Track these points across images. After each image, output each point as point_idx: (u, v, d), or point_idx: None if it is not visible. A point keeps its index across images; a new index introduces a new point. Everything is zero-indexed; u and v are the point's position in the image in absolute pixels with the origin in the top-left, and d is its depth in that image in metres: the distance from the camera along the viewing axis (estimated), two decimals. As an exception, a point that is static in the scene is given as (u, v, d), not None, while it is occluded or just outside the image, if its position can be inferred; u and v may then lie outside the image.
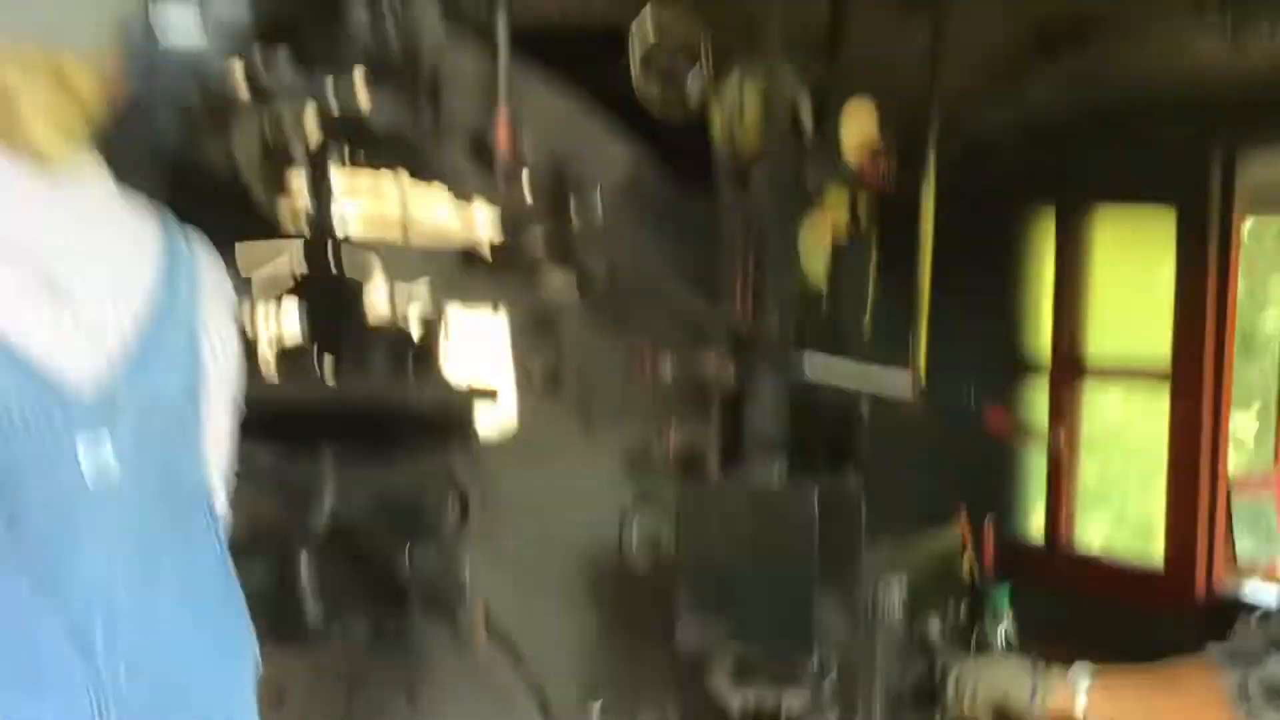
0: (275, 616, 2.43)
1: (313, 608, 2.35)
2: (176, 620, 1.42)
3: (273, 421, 2.30)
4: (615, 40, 2.64)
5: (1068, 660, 2.25)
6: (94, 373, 1.35)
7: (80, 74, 1.38)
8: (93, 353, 1.35)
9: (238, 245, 2.52)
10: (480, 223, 2.63)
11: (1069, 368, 4.02)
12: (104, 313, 1.37)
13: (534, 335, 2.83)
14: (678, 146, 3.00)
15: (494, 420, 2.76)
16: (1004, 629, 2.78)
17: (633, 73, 2.58)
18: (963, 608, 2.67)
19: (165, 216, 1.54)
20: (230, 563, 1.55)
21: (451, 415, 2.65)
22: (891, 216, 3.20)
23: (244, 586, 2.40)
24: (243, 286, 2.53)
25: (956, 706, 2.41)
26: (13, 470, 1.28)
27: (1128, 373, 4.17)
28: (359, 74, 2.31)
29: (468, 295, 2.75)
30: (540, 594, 2.82)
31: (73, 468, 1.32)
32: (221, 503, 1.58)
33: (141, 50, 2.40)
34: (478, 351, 2.77)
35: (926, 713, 2.52)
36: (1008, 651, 2.72)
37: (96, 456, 1.34)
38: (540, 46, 2.68)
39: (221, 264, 1.63)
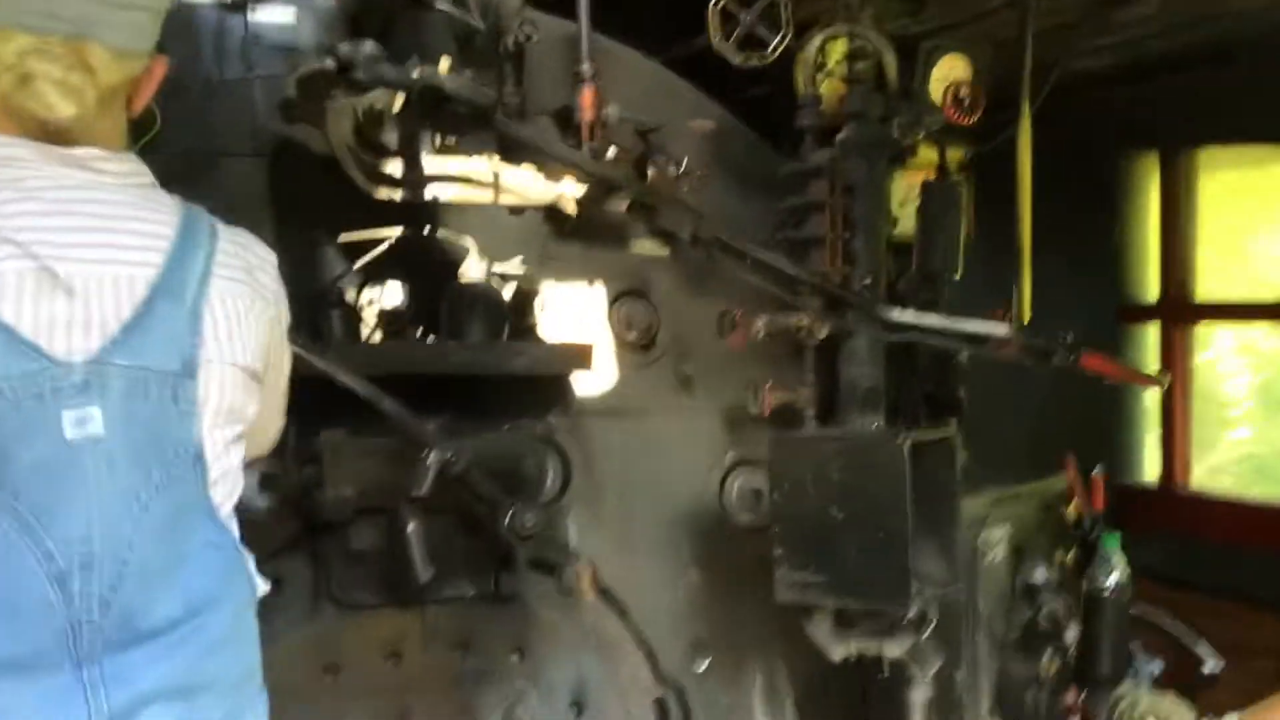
0: (386, 577, 2.54)
1: (422, 569, 2.43)
2: (154, 567, 1.54)
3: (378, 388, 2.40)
4: (698, 2, 2.65)
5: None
6: (84, 349, 1.49)
7: (107, 63, 1.55)
8: (86, 333, 1.50)
9: (335, 222, 2.63)
10: (570, 190, 2.67)
11: (1178, 308, 3.93)
12: (102, 296, 1.51)
13: (627, 298, 2.88)
14: (763, 106, 3.01)
15: (592, 383, 2.82)
16: (1115, 576, 2.75)
17: (714, 33, 2.58)
18: (1071, 555, 2.65)
19: (192, 208, 1.65)
20: (226, 514, 1.63)
21: (550, 379, 2.71)
22: (986, 165, 3.16)
23: (356, 548, 2.53)
24: (342, 261, 2.63)
25: None
26: (2, 437, 1.45)
27: (1241, 312, 4.05)
28: (447, 53, 2.36)
29: (561, 261, 2.80)
30: (643, 552, 2.88)
31: (58, 436, 1.47)
32: (225, 463, 1.64)
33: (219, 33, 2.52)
34: (573, 316, 2.83)
35: (1032, 662, 2.52)
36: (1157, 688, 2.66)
37: (83, 425, 1.49)
38: (623, 13, 2.71)
39: (260, 252, 1.71)
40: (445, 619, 2.65)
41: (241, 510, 1.69)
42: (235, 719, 1.60)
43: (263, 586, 1.69)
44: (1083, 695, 2.51)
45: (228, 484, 1.64)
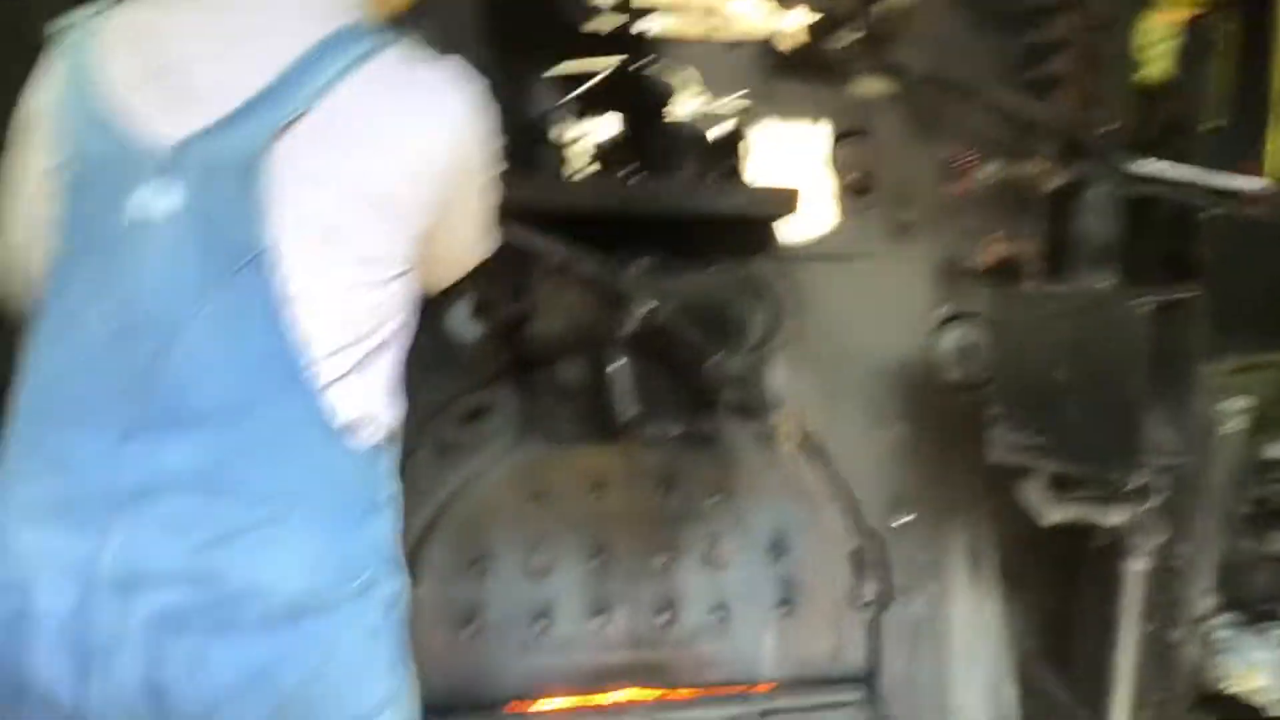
0: (591, 414, 2.56)
1: (627, 407, 2.43)
2: (201, 357, 1.54)
3: (586, 227, 2.38)
4: None
5: None
6: (171, 135, 1.55)
7: None
8: (176, 118, 1.56)
9: (547, 54, 2.57)
10: (792, 24, 2.54)
11: None
12: (203, 85, 1.57)
13: (847, 139, 2.75)
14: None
15: (806, 228, 2.72)
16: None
17: None
18: (1314, 432, 2.45)
19: (362, 24, 1.63)
20: (305, 335, 1.55)
21: (761, 221, 2.63)
22: (1253, 4, 2.85)
23: (562, 383, 2.55)
24: (553, 94, 2.57)
25: None
26: (83, 211, 1.56)
27: None
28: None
29: (779, 99, 2.68)
30: (848, 403, 2.81)
31: (131, 212, 1.55)
32: (322, 286, 1.58)
33: None
34: (790, 157, 2.72)
35: (1263, 541, 2.37)
36: None
37: (157, 205, 1.55)
38: None
39: (447, 77, 1.66)
40: (648, 457, 2.67)
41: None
42: (260, 532, 1.52)
43: (340, 417, 1.59)
44: (1316, 579, 2.35)
45: (329, 310, 1.58)
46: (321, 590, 1.53)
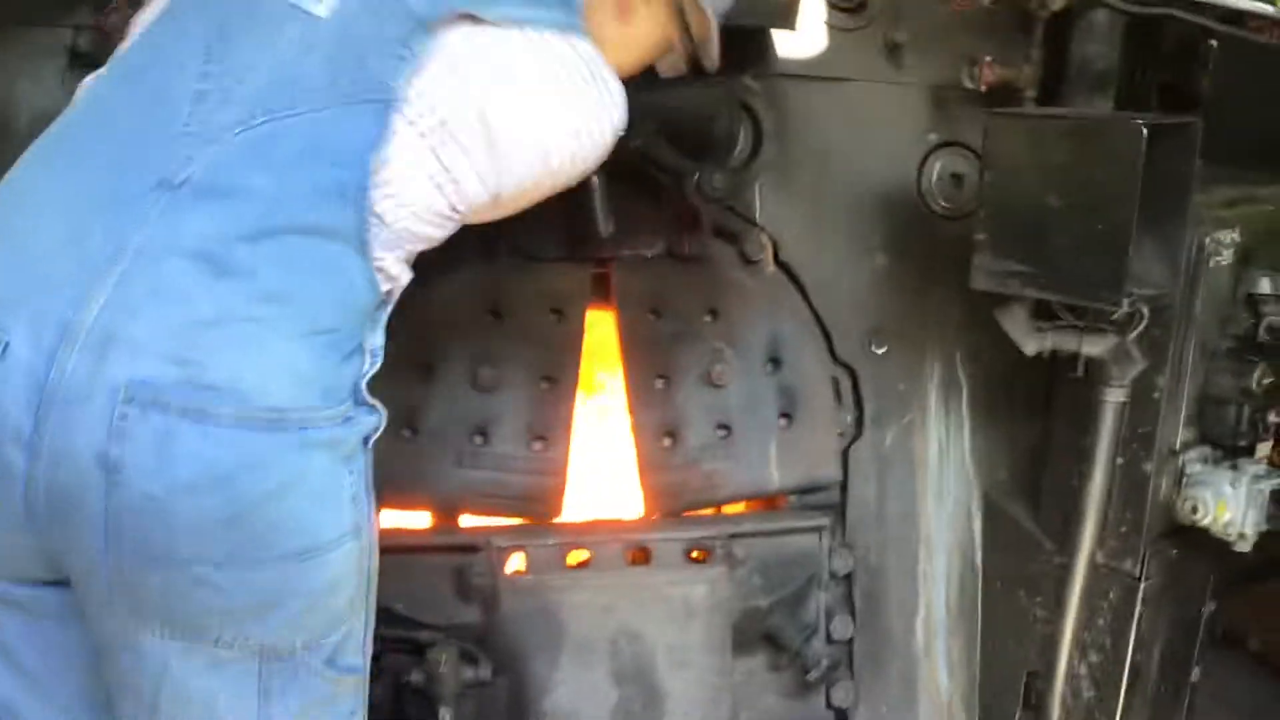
0: (568, 231, 2.49)
1: (604, 222, 2.35)
2: (274, 151, 1.56)
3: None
4: None
5: None
6: None
7: None
8: None
9: None
10: None
11: None
12: None
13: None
14: None
15: (793, 44, 2.60)
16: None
17: None
18: (1301, 268, 2.41)
19: None
20: (373, 154, 1.59)
21: (748, 33, 2.50)
22: None
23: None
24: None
25: None
26: None
27: None
28: None
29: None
30: (831, 229, 2.74)
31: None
32: (406, 161, 1.62)
33: None
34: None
35: (1243, 377, 2.35)
36: None
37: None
38: None
39: None
40: (634, 278, 2.61)
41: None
42: (252, 328, 1.50)
43: (383, 287, 1.67)
44: (1291, 416, 2.34)
45: (407, 180, 1.62)
46: (302, 409, 1.50)
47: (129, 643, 1.52)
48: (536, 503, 2.61)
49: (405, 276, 1.72)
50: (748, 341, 2.72)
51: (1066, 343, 2.35)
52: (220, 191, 1.52)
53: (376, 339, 1.66)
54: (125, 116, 1.59)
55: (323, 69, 1.57)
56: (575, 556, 2.61)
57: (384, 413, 1.63)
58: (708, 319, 2.69)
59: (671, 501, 2.71)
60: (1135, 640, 2.54)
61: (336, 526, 1.56)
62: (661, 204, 2.55)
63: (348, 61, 1.57)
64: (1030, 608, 2.69)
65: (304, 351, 1.52)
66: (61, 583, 1.58)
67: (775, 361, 2.75)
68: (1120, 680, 2.55)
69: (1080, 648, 2.56)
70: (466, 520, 2.65)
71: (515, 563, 2.57)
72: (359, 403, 1.59)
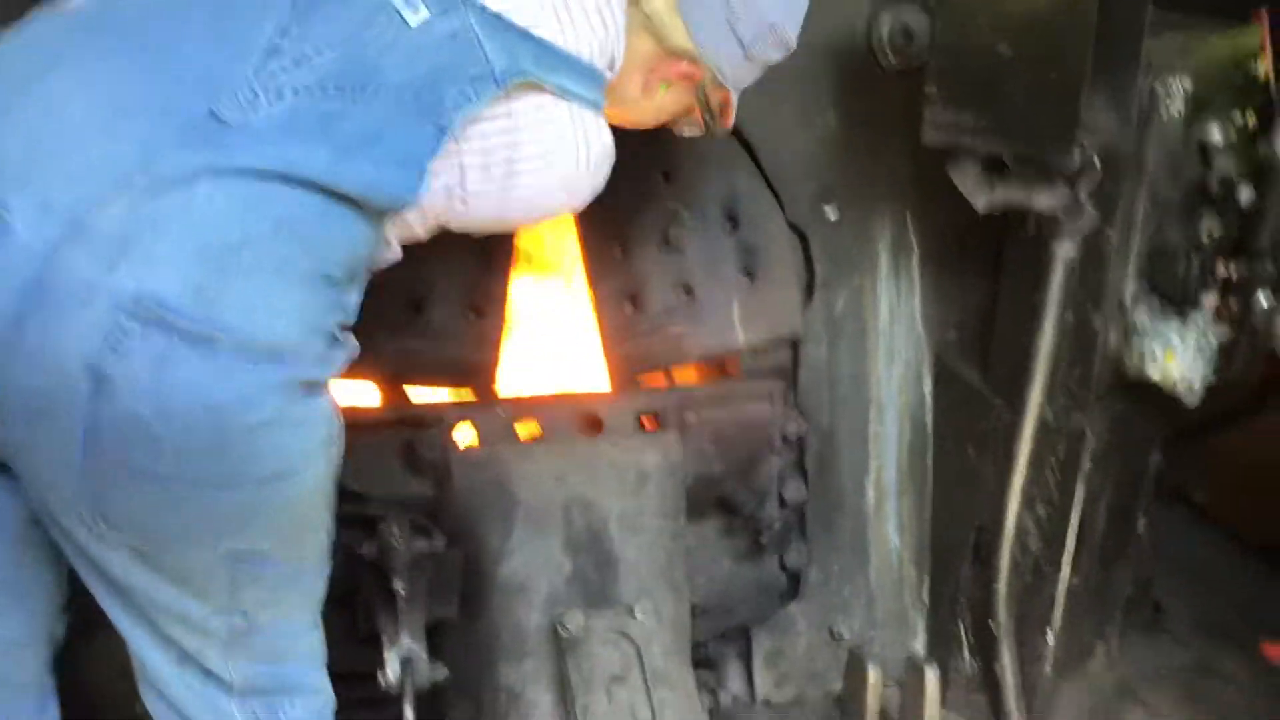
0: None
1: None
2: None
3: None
4: None
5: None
6: None
7: None
8: None
9: None
10: None
11: None
12: None
13: None
14: None
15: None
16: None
17: None
18: (1251, 116, 2.38)
19: None
20: (456, 155, 1.67)
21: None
22: None
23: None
24: None
25: None
26: None
27: None
28: None
29: None
30: (778, 90, 2.66)
31: None
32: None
33: None
34: None
35: (1192, 228, 2.33)
36: None
37: None
38: None
39: None
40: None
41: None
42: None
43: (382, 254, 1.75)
44: (1237, 267, 2.33)
45: (481, 150, 1.68)
46: (297, 346, 1.53)
47: (95, 542, 1.53)
48: (473, 375, 2.60)
49: (397, 253, 1.78)
50: (704, 201, 2.68)
51: (1017, 197, 2.32)
52: (272, 143, 1.50)
53: (357, 297, 1.69)
54: (196, 33, 1.55)
55: (398, 72, 1.59)
56: (526, 428, 2.60)
57: (354, 344, 1.66)
58: (661, 181, 2.64)
59: (637, 368, 2.69)
60: (1082, 495, 2.58)
61: (312, 449, 1.60)
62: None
63: (423, 77, 1.60)
64: (979, 465, 2.71)
65: (311, 295, 1.55)
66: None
67: (733, 220, 2.71)
68: (1066, 533, 2.59)
69: (1028, 502, 2.59)
70: (416, 395, 2.62)
71: (466, 436, 2.55)
72: (338, 342, 1.62)
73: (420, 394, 2.65)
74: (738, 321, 2.73)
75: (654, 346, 2.70)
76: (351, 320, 1.67)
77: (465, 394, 2.64)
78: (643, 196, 2.64)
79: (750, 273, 2.75)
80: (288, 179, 1.50)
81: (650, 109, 1.97)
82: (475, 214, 1.76)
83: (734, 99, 2.03)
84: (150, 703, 1.72)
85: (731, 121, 2.07)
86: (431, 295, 2.54)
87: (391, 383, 2.58)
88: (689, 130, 2.08)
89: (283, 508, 1.59)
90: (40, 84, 1.47)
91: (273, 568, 1.62)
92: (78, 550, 1.57)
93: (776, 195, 2.73)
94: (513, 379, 2.69)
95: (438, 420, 2.52)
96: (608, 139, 1.83)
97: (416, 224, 1.74)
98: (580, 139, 1.77)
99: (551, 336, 2.79)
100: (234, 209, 1.47)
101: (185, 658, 1.64)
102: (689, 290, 2.71)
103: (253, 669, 1.67)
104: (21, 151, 1.43)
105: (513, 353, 2.67)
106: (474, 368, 2.60)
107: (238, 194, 1.47)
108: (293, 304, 1.52)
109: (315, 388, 1.58)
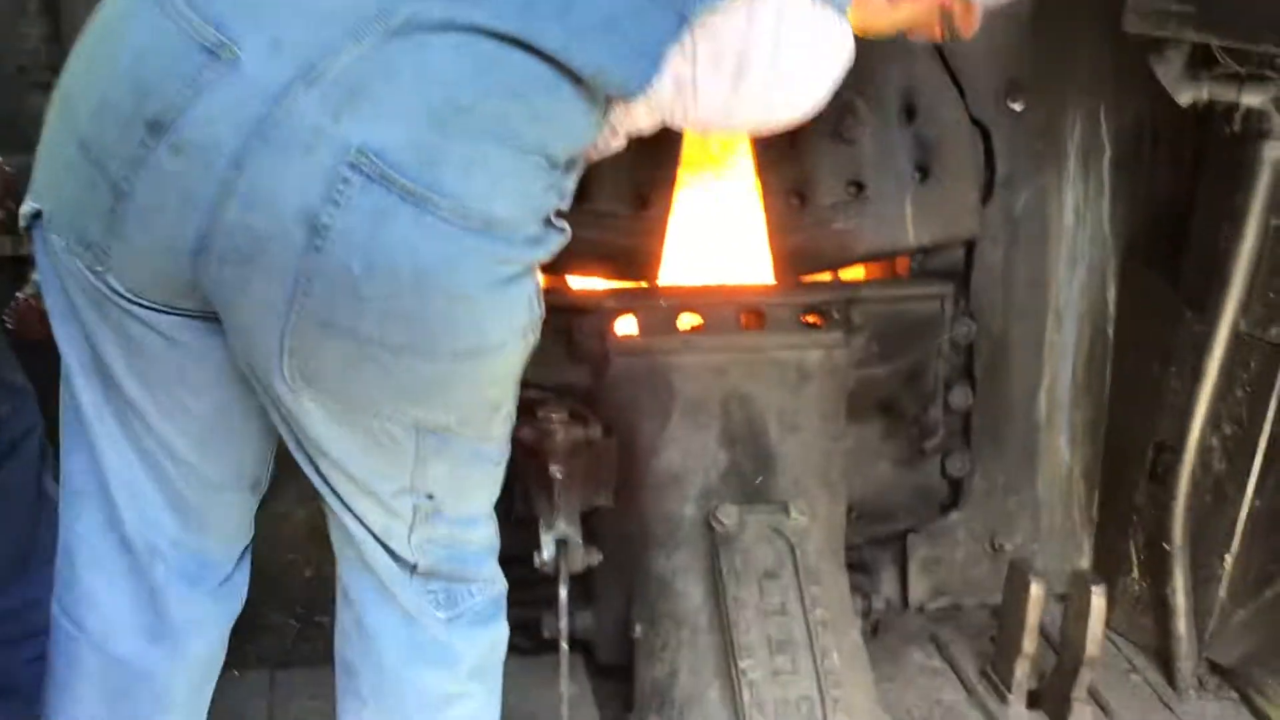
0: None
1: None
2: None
3: None
4: None
5: None
6: None
7: None
8: None
9: None
10: None
11: None
12: None
13: None
14: None
15: None
16: None
17: None
18: None
19: None
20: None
21: None
22: None
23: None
24: None
25: None
26: None
27: None
28: None
29: None
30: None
31: None
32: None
33: None
34: None
35: None
36: None
37: None
38: None
39: None
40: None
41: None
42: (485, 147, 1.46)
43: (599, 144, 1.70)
44: None
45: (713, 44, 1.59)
46: (511, 222, 1.49)
47: (291, 397, 1.54)
48: (636, 265, 2.58)
49: (621, 144, 1.74)
50: (881, 92, 2.57)
51: (1225, 93, 2.16)
52: (515, 9, 1.45)
53: (573, 184, 1.66)
54: None
55: None
56: (687, 320, 2.58)
57: (568, 230, 1.62)
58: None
59: (802, 263, 2.63)
60: (1274, 414, 2.42)
61: (511, 331, 1.57)
62: None
63: None
64: (1163, 378, 2.58)
65: (531, 172, 1.51)
66: (206, 316, 1.57)
67: (910, 113, 2.60)
68: (1255, 453, 2.45)
69: (1214, 420, 2.45)
70: (576, 283, 2.63)
71: (626, 325, 2.55)
72: (551, 225, 1.59)
73: (581, 282, 2.64)
74: (909, 219, 2.63)
75: (820, 242, 2.63)
76: (567, 206, 1.62)
77: (627, 284, 2.63)
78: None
79: (925, 169, 2.64)
80: (527, 48, 1.45)
81: (896, 17, 1.85)
82: (702, 111, 1.67)
83: (979, 17, 1.89)
84: (343, 562, 1.74)
85: (973, 31, 1.92)
86: (597, 184, 2.51)
87: (553, 270, 2.59)
88: (919, 37, 1.97)
89: (474, 386, 1.58)
90: None
91: (457, 445, 1.61)
92: (274, 404, 1.57)
93: (959, 86, 2.60)
94: (675, 271, 2.66)
95: (598, 308, 2.51)
96: (850, 45, 1.72)
97: (643, 116, 1.68)
98: (822, 41, 1.68)
99: (716, 229, 2.75)
100: (468, 69, 1.43)
101: (370, 536, 1.66)
102: (860, 185, 2.62)
103: (436, 553, 1.69)
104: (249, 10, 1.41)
105: (676, 244, 2.63)
106: (637, 258, 2.57)
107: (475, 54, 1.43)
108: (510, 175, 1.48)
109: (523, 269, 1.54)
